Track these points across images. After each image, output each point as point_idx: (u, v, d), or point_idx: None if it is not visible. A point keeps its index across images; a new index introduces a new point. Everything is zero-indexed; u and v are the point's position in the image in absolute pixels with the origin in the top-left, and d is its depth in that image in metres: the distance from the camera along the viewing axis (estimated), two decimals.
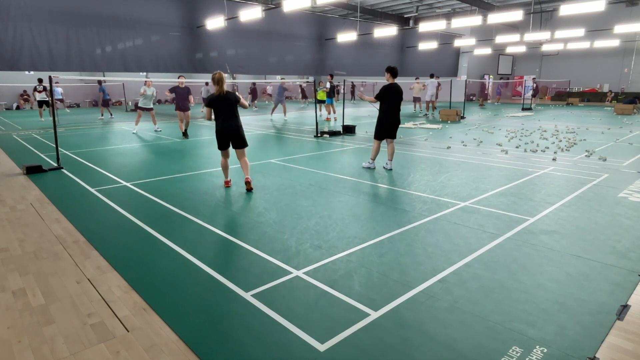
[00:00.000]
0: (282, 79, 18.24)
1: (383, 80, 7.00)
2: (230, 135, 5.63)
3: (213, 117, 5.63)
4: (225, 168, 5.93)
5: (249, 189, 5.67)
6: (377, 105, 6.94)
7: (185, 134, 11.57)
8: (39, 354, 2.36)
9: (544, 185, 6.01)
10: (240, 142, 5.67)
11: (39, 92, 17.02)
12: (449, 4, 24.92)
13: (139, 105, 12.79)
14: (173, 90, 11.49)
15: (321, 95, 17.13)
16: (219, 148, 5.75)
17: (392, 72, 6.74)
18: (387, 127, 6.84)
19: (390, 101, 6.72)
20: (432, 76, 19.17)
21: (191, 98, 11.76)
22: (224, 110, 5.55)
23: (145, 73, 17.03)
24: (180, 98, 11.52)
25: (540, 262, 3.46)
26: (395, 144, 6.92)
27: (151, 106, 12.77)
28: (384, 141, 7.11)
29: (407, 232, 4.18)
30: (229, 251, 3.76)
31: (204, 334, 2.54)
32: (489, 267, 3.37)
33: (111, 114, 18.56)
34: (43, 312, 2.81)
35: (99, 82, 18.81)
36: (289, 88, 17.66)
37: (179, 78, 11.55)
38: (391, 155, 6.99)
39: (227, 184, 6.00)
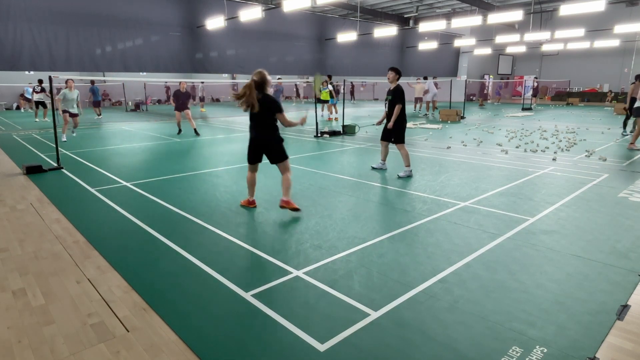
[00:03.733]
0: (279, 79, 18.28)
1: (383, 81, 6.93)
2: (261, 148, 4.79)
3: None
4: (250, 184, 4.99)
5: (291, 209, 4.74)
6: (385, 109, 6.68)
7: (195, 132, 12.26)
8: (39, 354, 2.36)
9: (544, 185, 6.01)
10: (275, 156, 4.77)
11: (37, 92, 17.07)
12: (449, 4, 24.92)
13: (63, 108, 10.80)
14: (175, 94, 12.04)
15: (324, 96, 17.15)
16: (248, 161, 4.91)
17: (400, 73, 6.52)
18: (405, 128, 6.71)
19: (404, 102, 6.56)
20: (425, 78, 19.14)
21: (190, 100, 12.29)
22: (256, 117, 4.66)
23: (144, 72, 17.03)
24: (180, 101, 11.98)
25: (540, 262, 3.46)
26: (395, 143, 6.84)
27: (77, 112, 11.18)
28: (380, 142, 7.01)
29: (407, 232, 4.18)
30: (229, 251, 3.76)
31: (204, 334, 2.54)
32: (489, 267, 3.37)
33: (100, 114, 18.58)
34: (43, 312, 2.80)
35: (92, 82, 18.87)
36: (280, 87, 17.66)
37: (180, 83, 12.00)
38: (386, 156, 6.99)
39: (250, 204, 5.03)
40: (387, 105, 6.61)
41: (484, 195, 5.49)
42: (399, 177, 6.49)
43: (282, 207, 4.72)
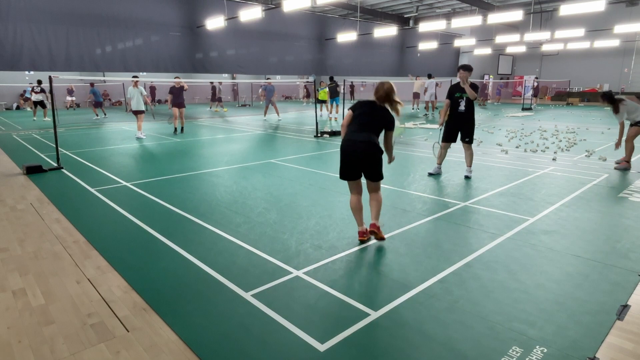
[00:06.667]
0: (267, 78, 18.21)
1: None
2: (358, 156, 3.76)
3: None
4: (356, 210, 3.96)
5: (378, 238, 3.87)
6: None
7: (176, 130, 12.46)
8: (39, 354, 2.36)
9: (544, 185, 6.01)
10: (372, 172, 3.82)
11: (36, 92, 17.14)
12: (449, 4, 24.92)
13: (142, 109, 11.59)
14: (170, 91, 12.25)
15: (322, 96, 17.15)
16: (342, 177, 3.91)
17: (471, 70, 6.27)
18: (449, 128, 6.51)
19: (451, 98, 6.42)
20: (429, 76, 19.18)
21: (186, 88, 12.35)
22: (363, 119, 3.83)
23: (144, 73, 17.05)
24: (175, 97, 12.20)
25: (540, 262, 3.46)
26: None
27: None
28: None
29: (407, 232, 4.18)
30: (229, 251, 3.76)
31: (204, 334, 2.54)
32: (489, 267, 3.37)
33: (105, 114, 18.86)
34: (43, 312, 2.80)
35: (91, 84, 19.00)
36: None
37: (175, 78, 12.23)
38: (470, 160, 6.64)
39: (361, 236, 3.92)
40: (462, 103, 6.30)
41: (484, 195, 5.49)
42: (466, 177, 6.40)
43: (371, 232, 3.82)
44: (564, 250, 3.70)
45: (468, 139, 6.43)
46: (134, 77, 11.57)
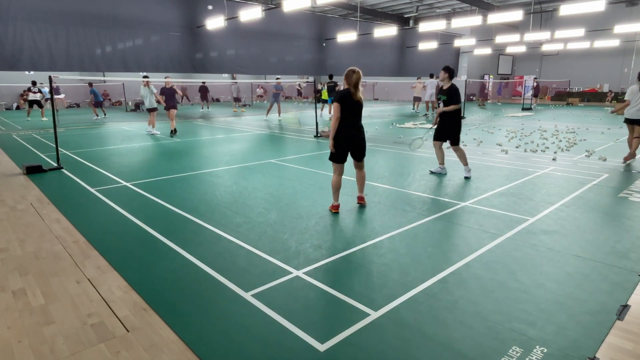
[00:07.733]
0: (277, 78, 18.21)
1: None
2: (355, 145, 4.77)
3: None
4: (337, 189, 4.82)
5: (362, 204, 5.04)
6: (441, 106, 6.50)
7: (172, 132, 12.07)
8: (39, 354, 2.36)
9: (544, 185, 6.01)
10: (363, 153, 4.89)
11: (33, 92, 17.28)
12: (449, 4, 24.90)
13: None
14: (162, 92, 12.05)
15: (325, 95, 17.19)
16: (337, 161, 4.73)
17: (452, 72, 6.38)
18: (438, 127, 6.66)
19: (460, 100, 6.47)
20: (431, 76, 19.21)
21: (179, 93, 12.33)
22: (354, 111, 4.66)
23: (144, 73, 17.06)
24: (167, 98, 11.99)
25: (540, 262, 3.46)
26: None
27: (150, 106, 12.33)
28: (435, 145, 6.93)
29: (407, 232, 4.18)
30: (229, 251, 3.76)
31: (204, 334, 2.54)
32: (489, 267, 3.37)
33: (105, 114, 18.94)
34: (43, 312, 2.81)
35: (90, 84, 19.05)
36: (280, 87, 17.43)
37: (165, 78, 12.05)
38: (444, 158, 6.89)
39: (336, 209, 4.80)
40: (440, 105, 6.48)
41: (484, 195, 5.49)
42: (466, 178, 6.43)
43: (360, 204, 5.07)
44: (564, 250, 3.70)
45: (451, 141, 6.56)
46: (144, 77, 11.70)
